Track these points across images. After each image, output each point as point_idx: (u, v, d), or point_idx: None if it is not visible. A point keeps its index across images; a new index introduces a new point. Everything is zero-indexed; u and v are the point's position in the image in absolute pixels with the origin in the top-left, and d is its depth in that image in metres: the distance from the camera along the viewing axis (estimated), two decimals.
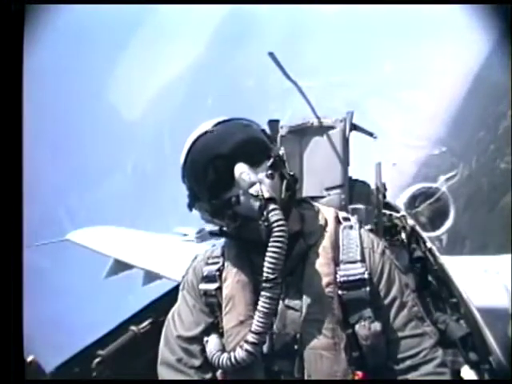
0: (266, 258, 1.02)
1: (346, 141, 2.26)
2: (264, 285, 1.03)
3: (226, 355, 1.08)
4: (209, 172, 1.12)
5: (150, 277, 6.06)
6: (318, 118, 2.26)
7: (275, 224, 1.01)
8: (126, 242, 6.87)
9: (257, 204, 1.04)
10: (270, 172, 1.11)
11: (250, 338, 1.04)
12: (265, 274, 1.03)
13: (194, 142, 1.15)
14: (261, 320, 1.03)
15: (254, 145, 1.14)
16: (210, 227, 1.27)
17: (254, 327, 1.03)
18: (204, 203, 1.17)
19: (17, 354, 1.07)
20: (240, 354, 1.05)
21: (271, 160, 1.13)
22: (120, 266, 6.53)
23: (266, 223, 1.03)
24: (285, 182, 1.14)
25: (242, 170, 1.07)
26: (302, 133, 2.26)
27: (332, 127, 2.25)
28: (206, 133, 1.15)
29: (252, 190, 1.05)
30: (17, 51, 1.13)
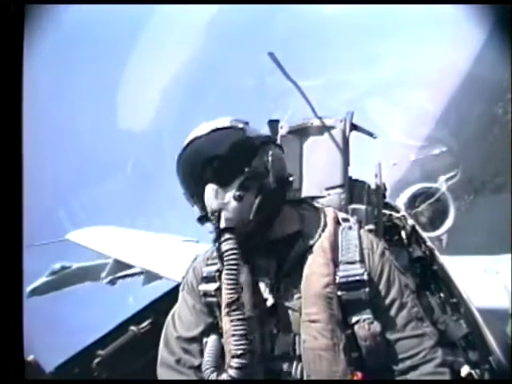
0: (223, 286, 1.09)
1: (346, 141, 2.26)
2: (227, 309, 1.06)
3: (214, 376, 1.09)
4: (188, 185, 1.15)
5: (150, 277, 6.06)
6: (318, 117, 2.26)
7: (226, 254, 1.04)
8: (125, 242, 6.88)
9: (214, 231, 1.08)
10: (237, 193, 1.09)
11: (233, 363, 1.04)
12: (226, 300, 1.06)
13: (179, 156, 1.16)
14: (237, 343, 1.03)
15: (228, 162, 1.10)
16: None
17: (233, 352, 1.04)
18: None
19: (17, 353, 1.07)
20: (226, 379, 1.05)
21: (241, 179, 1.10)
22: (120, 266, 6.54)
23: (218, 252, 1.07)
24: (257, 201, 1.10)
25: (209, 194, 1.08)
26: (302, 133, 2.26)
27: (332, 127, 2.25)
28: (187, 146, 1.15)
29: (212, 217, 1.08)
30: (17, 51, 1.13)
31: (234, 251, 1.04)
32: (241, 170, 1.10)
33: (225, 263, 1.05)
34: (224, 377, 1.05)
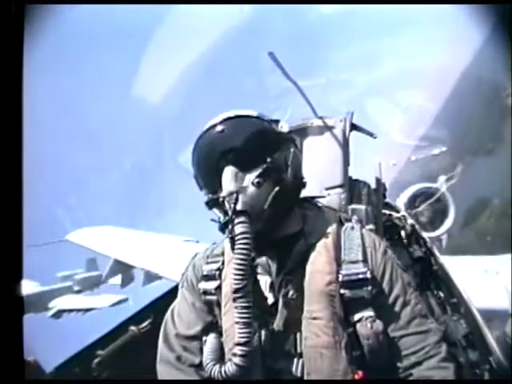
0: (232, 270, 1.03)
1: (346, 141, 2.25)
2: (234, 295, 1.03)
3: (217, 368, 1.08)
4: (206, 169, 1.15)
5: (150, 277, 6.06)
6: (318, 117, 2.26)
7: (238, 236, 1.02)
8: (125, 243, 6.87)
9: (229, 213, 1.05)
10: (257, 180, 1.10)
11: (237, 350, 1.03)
12: (233, 286, 1.03)
13: (201, 136, 1.17)
14: (241, 331, 1.03)
15: (252, 148, 1.12)
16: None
17: (237, 339, 1.03)
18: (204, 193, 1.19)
19: (17, 353, 1.07)
20: (230, 368, 1.04)
21: (263, 166, 1.11)
22: (120, 266, 6.54)
23: (230, 234, 1.05)
24: (275, 191, 1.11)
25: (226, 176, 1.08)
26: (302, 133, 2.25)
27: (332, 127, 2.25)
28: (211, 128, 1.16)
29: (228, 199, 1.06)
30: (17, 51, 1.12)
31: (247, 235, 1.02)
32: (263, 159, 1.12)
33: (236, 246, 1.03)
34: (228, 365, 1.04)
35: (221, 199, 1.10)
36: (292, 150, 1.20)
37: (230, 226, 1.05)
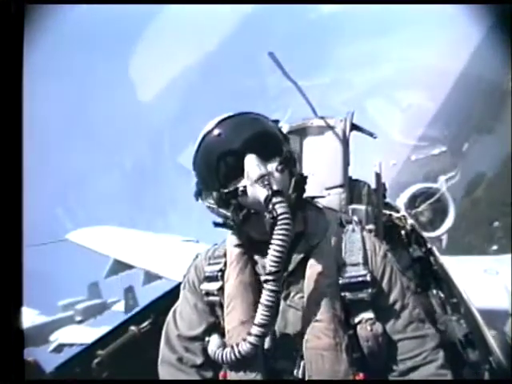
0: (270, 251, 1.01)
1: (346, 141, 2.25)
2: (266, 277, 1.02)
3: (229, 349, 1.08)
4: (220, 162, 1.12)
5: (150, 277, 6.07)
6: (318, 117, 2.26)
7: (281, 216, 1.00)
8: (125, 242, 6.87)
9: (264, 195, 1.03)
10: (280, 167, 1.11)
11: (254, 330, 1.03)
12: (268, 267, 1.02)
13: (209, 131, 1.15)
14: (264, 313, 1.02)
15: (268, 139, 1.14)
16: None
17: (258, 320, 1.03)
18: (212, 192, 1.16)
19: (17, 354, 1.07)
20: (243, 346, 1.04)
21: (283, 155, 1.13)
22: (120, 266, 6.54)
23: (270, 215, 1.02)
24: (293, 180, 1.13)
25: (252, 162, 1.08)
26: (302, 133, 2.26)
27: (332, 127, 2.25)
28: (221, 122, 1.15)
29: (260, 182, 1.05)
30: (17, 51, 1.12)
31: (288, 215, 1.00)
32: (279, 150, 1.14)
33: (278, 227, 1.00)
34: (242, 344, 1.04)
35: (241, 188, 1.09)
36: (293, 147, 1.23)
37: (269, 207, 1.02)
